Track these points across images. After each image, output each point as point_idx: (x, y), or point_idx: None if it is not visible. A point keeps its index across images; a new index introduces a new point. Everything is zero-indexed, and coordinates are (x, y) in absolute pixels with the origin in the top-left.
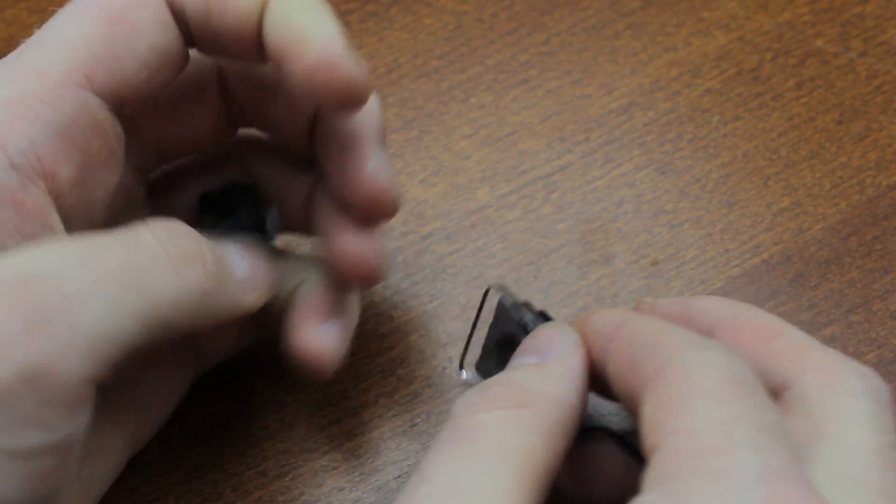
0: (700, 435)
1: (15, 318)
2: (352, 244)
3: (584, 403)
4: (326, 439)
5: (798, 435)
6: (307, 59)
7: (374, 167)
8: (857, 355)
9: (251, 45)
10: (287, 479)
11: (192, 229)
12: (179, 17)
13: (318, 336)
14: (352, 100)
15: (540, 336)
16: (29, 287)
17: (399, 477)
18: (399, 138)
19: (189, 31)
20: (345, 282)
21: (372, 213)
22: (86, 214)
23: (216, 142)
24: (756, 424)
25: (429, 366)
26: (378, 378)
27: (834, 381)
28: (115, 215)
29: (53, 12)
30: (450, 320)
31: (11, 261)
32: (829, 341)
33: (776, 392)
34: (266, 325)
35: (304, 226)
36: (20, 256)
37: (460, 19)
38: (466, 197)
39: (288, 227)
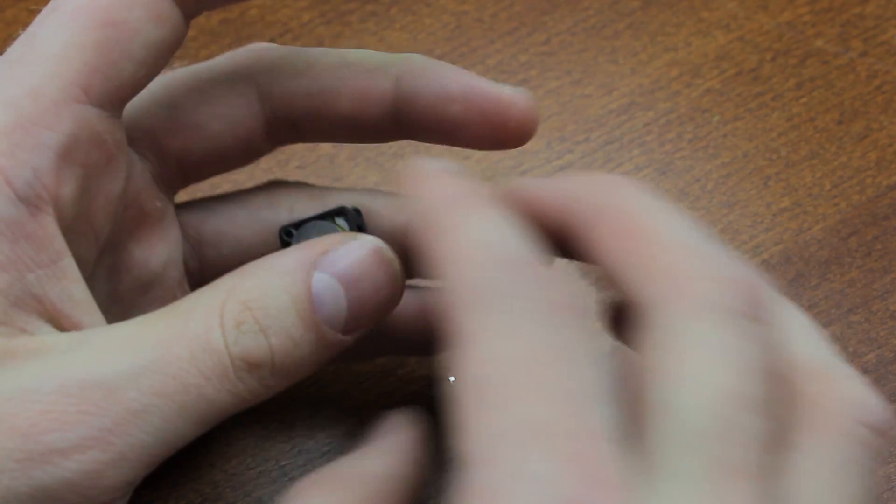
0: (476, 468)
1: (73, 429)
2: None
3: (418, 465)
4: (326, 439)
5: (651, 376)
6: None
7: (506, 93)
8: (857, 355)
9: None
10: (287, 479)
11: (269, 308)
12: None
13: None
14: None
15: None
16: (89, 397)
17: None
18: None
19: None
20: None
21: (510, 126)
22: (86, 224)
23: (248, 160)
24: (541, 430)
25: (429, 366)
26: (378, 378)
27: (680, 295)
28: (127, 226)
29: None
30: None
31: (74, 363)
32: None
33: (640, 312)
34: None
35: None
36: (84, 358)
37: (460, 19)
38: None
39: None
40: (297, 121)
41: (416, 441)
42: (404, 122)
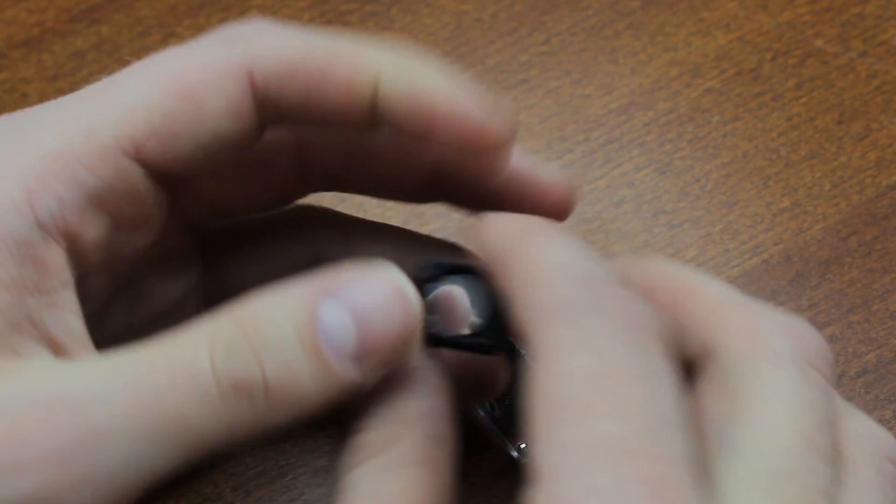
0: (555, 482)
1: (33, 444)
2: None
3: (445, 398)
4: (326, 439)
5: (719, 418)
6: (450, 123)
7: (548, 173)
8: (857, 355)
9: (360, 117)
10: (287, 479)
11: (262, 329)
12: (263, 98)
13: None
14: (498, 146)
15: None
16: (53, 415)
17: None
18: None
19: (274, 110)
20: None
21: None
22: (107, 271)
23: (281, 205)
24: (620, 449)
25: None
26: None
27: (755, 346)
28: (150, 261)
29: (54, 12)
30: None
31: (52, 378)
32: (829, 341)
33: (699, 363)
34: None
35: None
36: (59, 376)
37: (460, 19)
38: None
39: None
40: (331, 171)
41: (430, 368)
42: (443, 187)
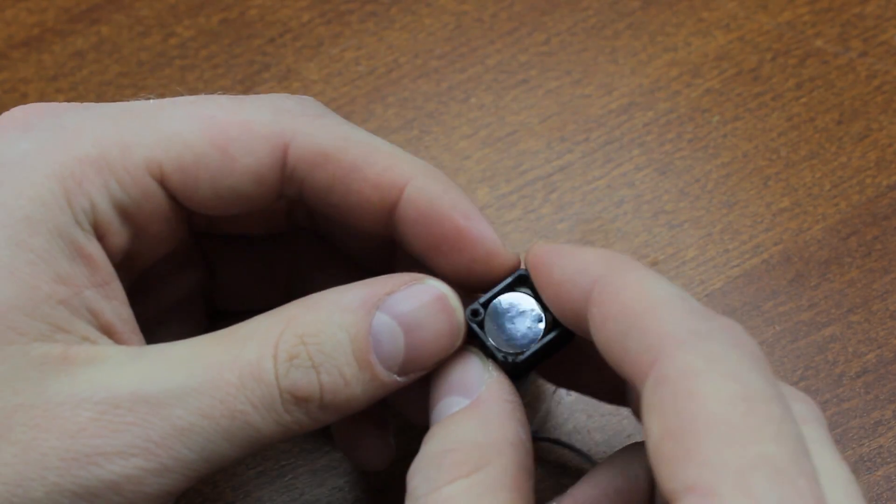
0: (721, 498)
1: (119, 437)
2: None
3: (529, 432)
4: (326, 439)
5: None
6: (462, 251)
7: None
8: (857, 355)
9: (376, 218)
10: (287, 478)
11: (323, 346)
12: (290, 174)
13: (374, 440)
14: (493, 266)
15: (453, 369)
16: (138, 411)
17: (399, 477)
18: (399, 138)
19: (297, 188)
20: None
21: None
22: (126, 277)
23: (269, 230)
24: (776, 467)
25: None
26: None
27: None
28: (162, 265)
29: (54, 12)
30: None
31: (131, 373)
32: (829, 341)
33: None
34: None
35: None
36: (136, 372)
37: (460, 19)
38: None
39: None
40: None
41: (514, 395)
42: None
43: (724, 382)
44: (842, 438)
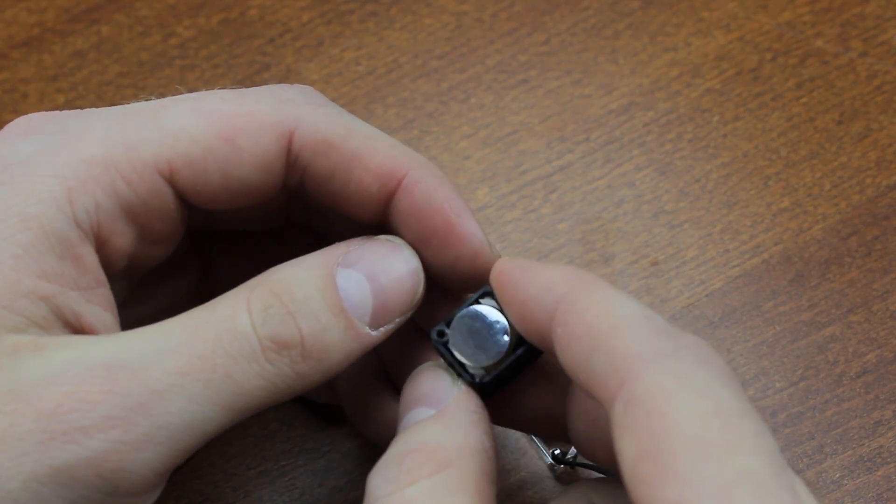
0: None
1: (96, 408)
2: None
3: (494, 443)
4: (326, 439)
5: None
6: (451, 248)
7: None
8: (857, 355)
9: (374, 205)
10: (287, 479)
11: (295, 294)
12: (294, 162)
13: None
14: (476, 265)
15: (422, 383)
16: (114, 378)
17: None
18: (399, 138)
19: (300, 175)
20: None
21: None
22: (128, 278)
23: (266, 225)
24: (757, 481)
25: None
26: None
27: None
28: (160, 267)
29: (54, 12)
30: None
31: (105, 346)
32: (829, 341)
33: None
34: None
35: None
36: (111, 344)
37: (460, 19)
38: (466, 197)
39: None
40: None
41: (482, 406)
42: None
43: (696, 400)
44: (842, 438)
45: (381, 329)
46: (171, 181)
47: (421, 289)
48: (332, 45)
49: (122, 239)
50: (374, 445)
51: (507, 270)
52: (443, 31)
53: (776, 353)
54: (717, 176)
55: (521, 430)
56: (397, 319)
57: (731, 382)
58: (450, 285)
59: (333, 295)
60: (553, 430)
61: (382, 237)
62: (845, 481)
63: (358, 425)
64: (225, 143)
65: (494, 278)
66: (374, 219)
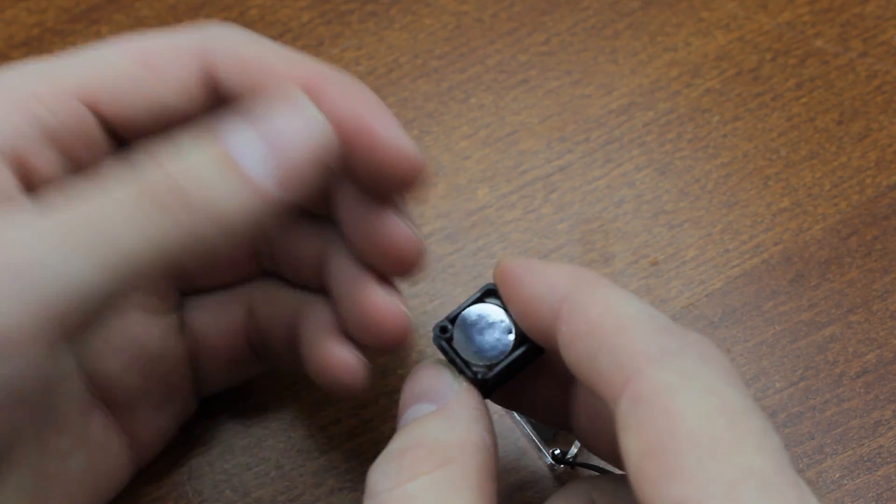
0: None
1: None
2: (373, 299)
3: (495, 440)
4: (326, 439)
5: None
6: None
7: (397, 219)
8: (857, 355)
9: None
10: (287, 479)
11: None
12: (209, 81)
13: (339, 352)
14: (412, 181)
15: (423, 379)
16: None
17: None
18: None
19: (217, 95)
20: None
21: (397, 266)
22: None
23: (239, 275)
24: (764, 479)
25: (428, 359)
26: (378, 378)
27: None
28: None
29: (54, 12)
30: None
31: None
32: (829, 341)
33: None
34: (270, 358)
35: (319, 285)
36: None
37: (460, 19)
38: (466, 197)
39: (302, 286)
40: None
41: (482, 403)
42: None
43: (702, 397)
44: (842, 438)
45: (289, 188)
46: (93, 107)
47: (330, 145)
48: (331, 45)
49: (45, 163)
50: (374, 445)
51: (512, 268)
52: (443, 31)
53: (776, 353)
54: (717, 176)
55: (524, 414)
56: (307, 178)
57: (736, 381)
58: (379, 193)
59: (216, 147)
60: (556, 419)
61: (281, 91)
62: (845, 481)
63: (316, 379)
64: (142, 67)
65: (498, 276)
66: None
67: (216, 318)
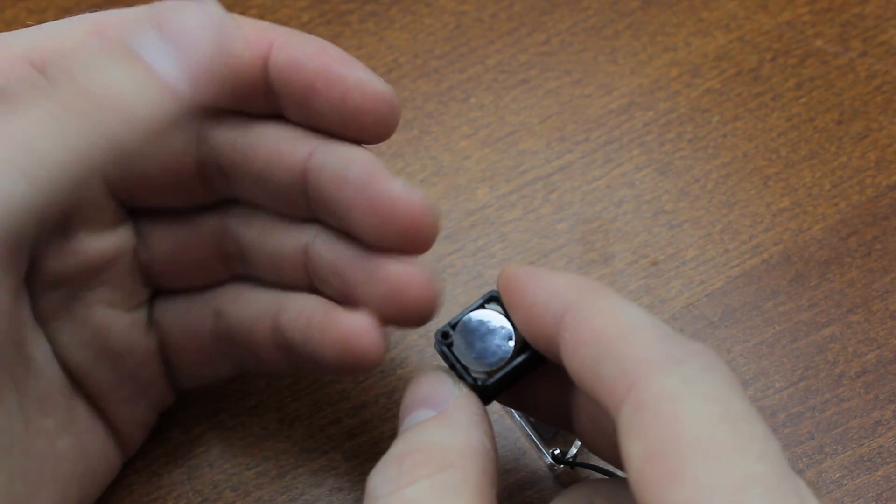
0: None
1: None
2: (394, 270)
3: (495, 445)
4: (326, 439)
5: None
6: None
7: (401, 186)
8: (857, 355)
9: (250, 86)
10: (287, 479)
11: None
12: None
13: (351, 319)
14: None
15: (423, 385)
16: None
17: None
18: (399, 138)
19: None
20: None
21: (414, 236)
22: None
23: (184, 199)
24: (767, 486)
25: (428, 366)
26: (378, 378)
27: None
28: (79, 219)
29: (54, 12)
30: None
31: None
32: (829, 341)
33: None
34: (242, 361)
35: (299, 283)
36: None
37: (460, 19)
38: (466, 197)
39: (287, 288)
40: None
41: (483, 408)
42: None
43: (705, 404)
44: (842, 438)
45: (198, 82)
46: (42, 70)
47: (232, 36)
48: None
49: None
50: (374, 445)
51: (516, 276)
52: (443, 31)
53: (776, 353)
54: (716, 176)
55: (525, 412)
56: (214, 71)
57: (738, 389)
58: (350, 136)
59: (124, 50)
60: (557, 419)
61: None
62: (845, 481)
63: (318, 359)
64: (95, 36)
65: (502, 284)
66: (259, 98)
67: (182, 319)
